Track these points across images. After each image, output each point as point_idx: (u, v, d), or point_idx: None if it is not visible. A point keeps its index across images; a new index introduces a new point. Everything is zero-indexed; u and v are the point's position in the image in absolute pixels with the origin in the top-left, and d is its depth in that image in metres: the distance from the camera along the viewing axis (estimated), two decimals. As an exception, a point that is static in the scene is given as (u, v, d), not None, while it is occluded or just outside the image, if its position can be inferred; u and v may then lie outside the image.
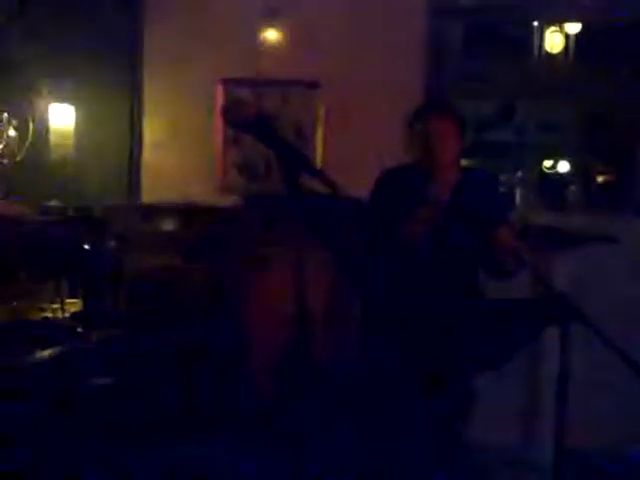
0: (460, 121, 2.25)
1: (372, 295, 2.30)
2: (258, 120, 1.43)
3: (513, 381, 2.64)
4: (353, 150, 3.19)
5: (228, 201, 3.20)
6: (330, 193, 1.40)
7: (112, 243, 2.62)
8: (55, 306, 2.42)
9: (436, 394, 2.08)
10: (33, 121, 2.67)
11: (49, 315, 2.39)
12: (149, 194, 3.40)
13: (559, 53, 4.16)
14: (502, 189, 3.12)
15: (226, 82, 3.32)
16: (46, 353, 2.08)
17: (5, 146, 2.56)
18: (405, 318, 2.05)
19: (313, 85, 3.30)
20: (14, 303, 2.33)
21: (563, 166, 4.81)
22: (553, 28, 4.13)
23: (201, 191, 3.21)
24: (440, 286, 2.16)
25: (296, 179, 1.37)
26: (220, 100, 3.32)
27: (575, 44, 4.15)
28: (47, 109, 2.70)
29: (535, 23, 4.14)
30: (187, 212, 3.03)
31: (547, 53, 4.15)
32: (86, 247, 2.53)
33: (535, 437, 2.68)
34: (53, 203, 2.66)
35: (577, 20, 3.97)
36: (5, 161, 2.56)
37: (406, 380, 2.08)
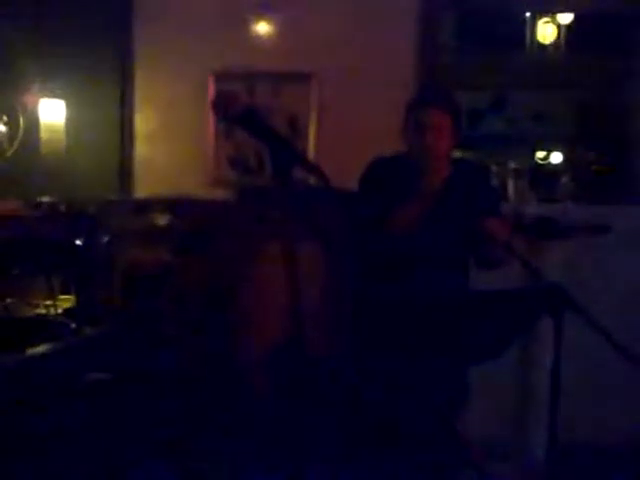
0: (454, 113, 2.24)
1: (363, 286, 2.30)
2: (247, 112, 1.42)
3: (505, 373, 2.65)
4: (347, 142, 3.19)
5: (220, 195, 3.20)
6: (322, 185, 1.40)
7: (104, 238, 2.60)
8: (48, 302, 2.41)
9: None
10: (23, 116, 2.65)
11: (42, 311, 2.38)
12: (141, 188, 3.39)
13: (551, 44, 4.17)
14: (495, 180, 3.12)
15: (217, 75, 3.31)
16: (40, 349, 2.07)
17: (-5, 142, 2.54)
18: (396, 309, 2.06)
19: (306, 77, 3.29)
20: (7, 300, 2.31)
21: (556, 157, 4.82)
22: (545, 19, 4.13)
23: (193, 185, 3.20)
24: (430, 276, 2.16)
25: (287, 171, 1.37)
26: (211, 93, 3.31)
27: (567, 34, 4.16)
28: (37, 104, 2.68)
29: (527, 14, 4.14)
30: (180, 206, 3.01)
31: (539, 44, 4.15)
32: (78, 242, 2.52)
33: (528, 430, 2.69)
34: (45, 199, 2.64)
35: (569, 10, 3.98)
36: (-5, 157, 2.55)
37: (399, 372, 2.08)
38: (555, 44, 4.16)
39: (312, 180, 1.47)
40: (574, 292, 1.70)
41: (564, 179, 3.21)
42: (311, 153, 3.30)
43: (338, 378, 2.32)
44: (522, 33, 4.21)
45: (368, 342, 2.19)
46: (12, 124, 2.62)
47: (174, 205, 3.02)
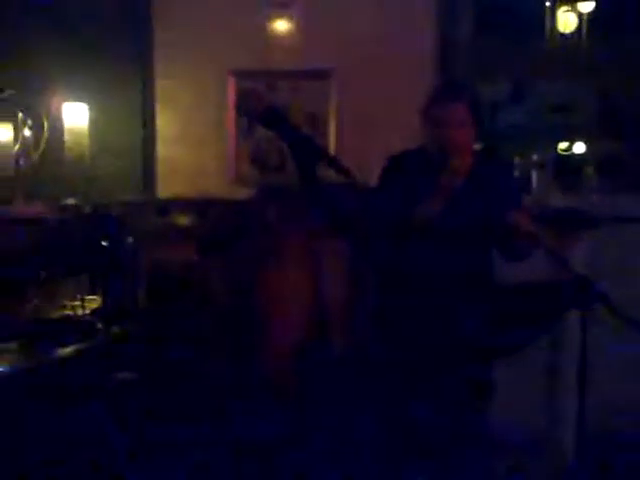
0: (475, 107, 2.23)
1: (386, 281, 2.30)
2: (270, 110, 1.43)
3: (535, 363, 2.63)
4: (367, 139, 3.18)
5: (242, 193, 3.21)
6: (346, 181, 1.40)
7: (129, 239, 2.63)
8: (75, 303, 2.44)
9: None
10: (47, 120, 2.68)
11: (70, 312, 2.41)
12: (164, 189, 3.42)
13: (572, 33, 4.11)
14: (518, 172, 3.09)
15: (237, 74, 3.32)
16: (68, 350, 2.11)
17: (21, 146, 2.57)
18: (421, 303, 2.05)
19: (325, 74, 3.29)
20: (35, 301, 2.35)
21: (579, 147, 4.75)
22: (565, 7, 4.07)
23: (215, 184, 3.22)
24: (452, 271, 2.15)
25: (312, 168, 1.37)
26: (231, 92, 3.33)
27: (588, 23, 4.10)
28: (60, 108, 2.71)
29: (547, 3, 4.09)
30: (202, 205, 3.04)
31: (560, 33, 4.09)
32: (104, 244, 2.55)
33: (557, 418, 2.67)
34: (70, 201, 2.68)
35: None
36: (22, 161, 2.58)
37: (425, 366, 2.07)
38: (576, 33, 4.10)
39: (336, 176, 1.47)
40: (599, 283, 1.68)
41: (588, 170, 3.17)
42: (331, 150, 3.30)
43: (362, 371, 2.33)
44: (542, 22, 4.16)
45: (393, 335, 2.19)
46: (36, 128, 2.65)
47: (197, 205, 3.04)
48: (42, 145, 2.65)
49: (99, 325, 2.35)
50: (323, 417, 2.45)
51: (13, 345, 2.05)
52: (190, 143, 3.40)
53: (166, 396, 2.46)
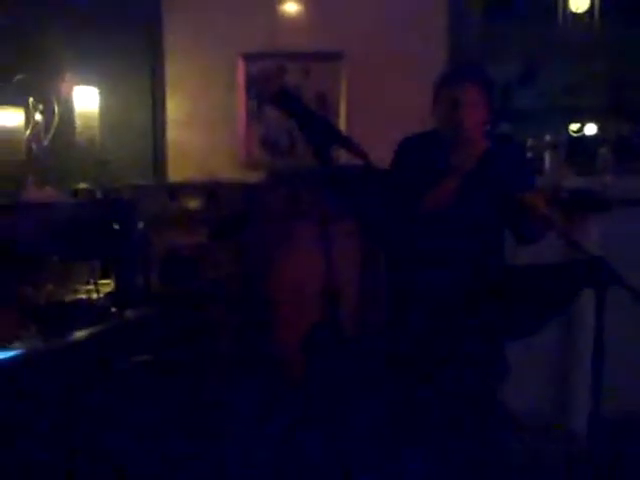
0: (488, 88, 2.21)
1: (398, 263, 2.30)
2: (282, 91, 1.43)
3: (548, 347, 2.63)
4: (377, 120, 3.17)
5: (253, 177, 3.21)
6: (359, 162, 1.39)
7: (141, 223, 2.64)
8: (89, 287, 2.46)
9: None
10: (58, 105, 2.67)
11: (83, 296, 2.43)
12: (175, 173, 3.42)
13: (584, 12, 4.06)
14: (530, 154, 3.07)
15: (247, 57, 3.31)
16: (82, 334, 2.12)
17: (32, 131, 2.58)
18: (433, 285, 2.05)
19: (336, 57, 3.27)
20: (49, 286, 2.36)
21: (590, 128, 4.71)
22: (578, -13, 4.02)
23: (226, 168, 3.22)
24: (464, 254, 2.15)
25: (326, 149, 1.37)
26: (241, 75, 3.31)
27: (601, 2, 4.05)
28: (71, 92, 2.70)
29: (559, -18, 4.04)
30: (213, 189, 3.04)
31: (572, 13, 4.05)
32: (116, 228, 2.56)
33: (570, 403, 2.67)
34: (81, 186, 2.69)
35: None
36: (33, 146, 2.58)
37: (437, 350, 2.08)
38: (589, 13, 4.05)
39: (349, 157, 1.47)
40: (614, 265, 1.67)
41: (602, 151, 3.15)
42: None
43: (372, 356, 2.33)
44: (554, 2, 4.11)
45: (405, 319, 2.20)
46: (47, 113, 2.65)
47: (208, 188, 3.04)
48: (53, 130, 2.65)
49: (112, 309, 2.36)
50: (333, 399, 2.46)
51: (29, 329, 2.07)
52: (200, 127, 3.40)
53: (179, 379, 2.48)
